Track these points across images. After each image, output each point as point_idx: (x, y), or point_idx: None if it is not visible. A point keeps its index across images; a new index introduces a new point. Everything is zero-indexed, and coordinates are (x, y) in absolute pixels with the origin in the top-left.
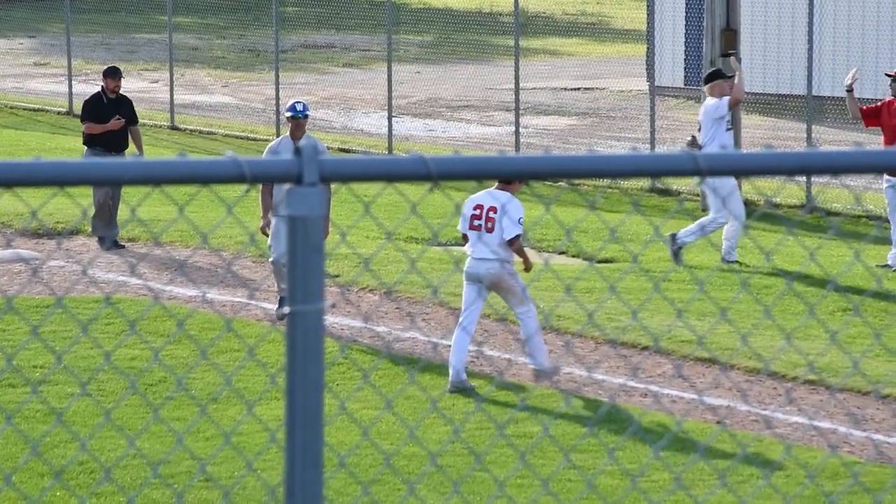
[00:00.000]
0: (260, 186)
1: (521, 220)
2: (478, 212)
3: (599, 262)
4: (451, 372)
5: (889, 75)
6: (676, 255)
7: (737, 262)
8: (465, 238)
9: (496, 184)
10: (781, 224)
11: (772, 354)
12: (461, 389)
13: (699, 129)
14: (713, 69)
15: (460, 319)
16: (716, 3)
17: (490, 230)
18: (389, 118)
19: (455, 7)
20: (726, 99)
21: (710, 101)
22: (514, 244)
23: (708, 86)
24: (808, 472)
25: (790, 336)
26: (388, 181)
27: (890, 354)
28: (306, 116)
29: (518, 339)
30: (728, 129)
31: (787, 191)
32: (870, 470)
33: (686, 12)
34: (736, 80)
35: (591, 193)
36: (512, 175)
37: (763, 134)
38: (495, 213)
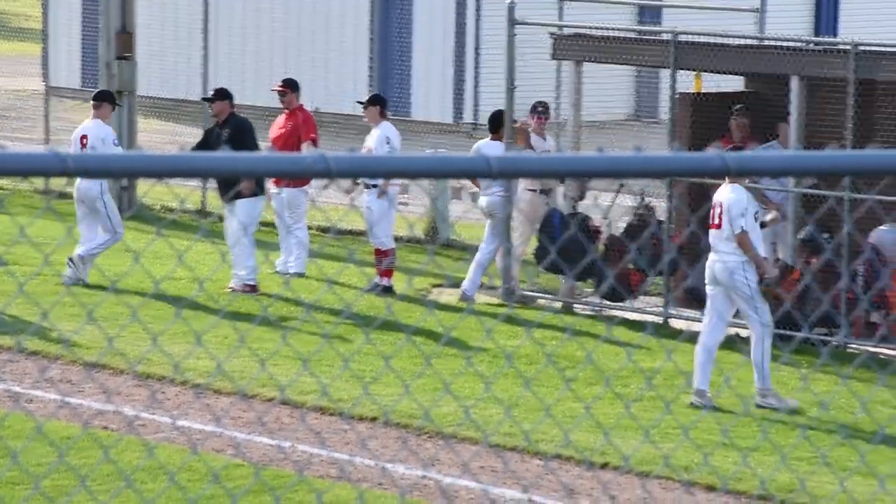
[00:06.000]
0: None
1: None
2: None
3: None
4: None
5: (275, 90)
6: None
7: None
8: None
9: None
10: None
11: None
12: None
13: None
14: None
15: None
16: (111, 4)
17: None
18: None
19: None
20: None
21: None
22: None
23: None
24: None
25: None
26: None
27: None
28: None
29: None
30: None
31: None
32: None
33: (82, 13)
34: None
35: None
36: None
37: (161, 139)
38: None
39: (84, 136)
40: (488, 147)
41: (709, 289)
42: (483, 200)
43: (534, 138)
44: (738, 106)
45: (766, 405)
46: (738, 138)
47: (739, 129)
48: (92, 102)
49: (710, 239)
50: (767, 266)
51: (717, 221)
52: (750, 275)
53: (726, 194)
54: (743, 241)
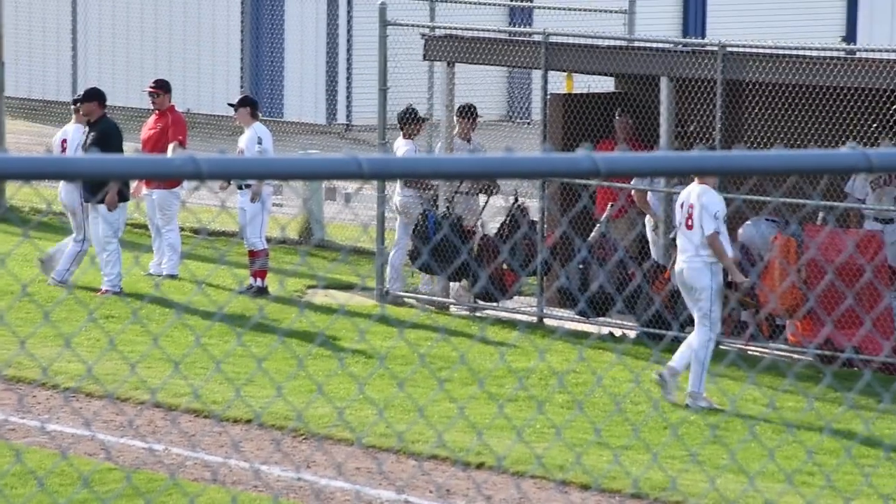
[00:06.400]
0: None
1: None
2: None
3: None
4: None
5: (146, 90)
6: None
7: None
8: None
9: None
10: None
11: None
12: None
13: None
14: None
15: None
16: None
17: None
18: None
19: None
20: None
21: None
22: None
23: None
24: None
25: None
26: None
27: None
28: None
29: None
30: None
31: None
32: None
33: None
34: None
35: None
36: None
37: (29, 140)
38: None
39: (64, 140)
40: (399, 145)
41: (684, 294)
42: (397, 199)
43: (458, 142)
44: (620, 108)
45: (695, 407)
46: (622, 138)
47: (623, 129)
48: (73, 106)
49: (679, 240)
50: (737, 271)
51: (688, 223)
52: (716, 278)
53: (697, 195)
54: (714, 242)
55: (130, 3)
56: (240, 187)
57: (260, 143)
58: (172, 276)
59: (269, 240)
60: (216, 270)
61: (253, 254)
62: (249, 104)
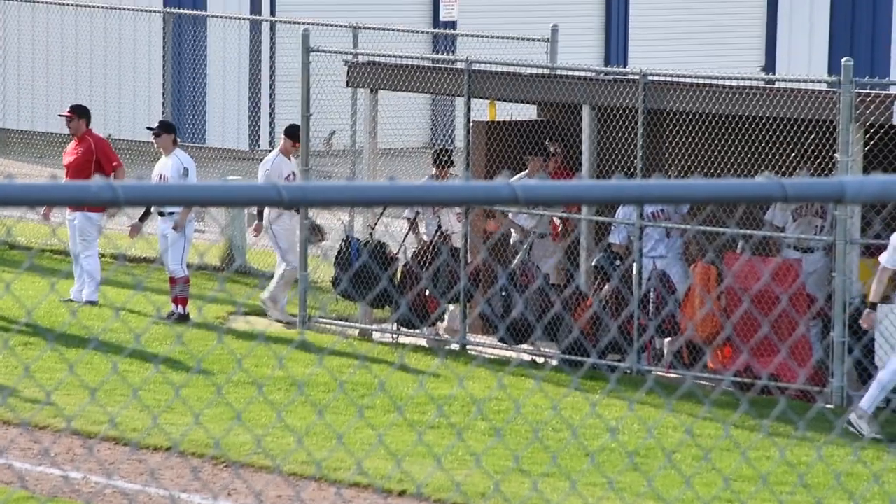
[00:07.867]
0: None
1: None
2: None
3: None
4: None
5: (62, 115)
6: None
7: None
8: None
9: None
10: None
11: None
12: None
13: None
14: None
15: None
16: None
17: None
18: None
19: None
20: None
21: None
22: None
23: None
24: None
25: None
26: None
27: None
28: None
29: None
30: None
31: None
32: None
33: None
34: None
35: None
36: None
37: None
38: None
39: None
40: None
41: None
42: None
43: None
44: (550, 140)
45: (855, 426)
46: (552, 168)
47: (552, 159)
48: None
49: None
50: (868, 313)
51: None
52: None
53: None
54: (879, 272)
55: (51, 27)
56: (161, 214)
57: (186, 174)
58: (92, 303)
59: (189, 266)
60: (133, 297)
61: (173, 280)
62: (172, 131)
